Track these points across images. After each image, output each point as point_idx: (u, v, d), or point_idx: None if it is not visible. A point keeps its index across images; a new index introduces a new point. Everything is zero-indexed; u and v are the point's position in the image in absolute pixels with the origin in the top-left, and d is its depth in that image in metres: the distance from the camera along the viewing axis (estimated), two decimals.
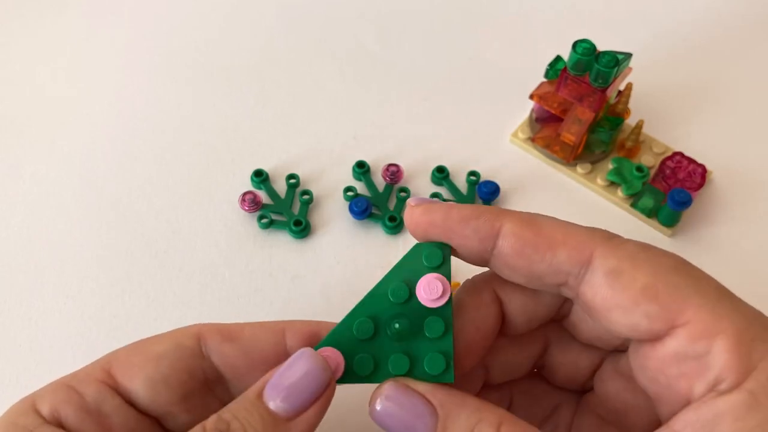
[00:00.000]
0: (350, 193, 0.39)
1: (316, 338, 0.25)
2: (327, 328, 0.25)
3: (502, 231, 0.23)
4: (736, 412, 0.20)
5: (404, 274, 0.25)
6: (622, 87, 0.40)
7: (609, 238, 0.23)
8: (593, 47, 0.36)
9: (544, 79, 0.39)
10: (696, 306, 0.21)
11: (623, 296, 0.22)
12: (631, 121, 0.41)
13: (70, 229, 0.39)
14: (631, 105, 0.40)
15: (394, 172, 0.40)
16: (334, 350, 0.24)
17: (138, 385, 0.24)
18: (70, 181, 0.40)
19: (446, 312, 0.25)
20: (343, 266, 0.38)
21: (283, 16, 0.49)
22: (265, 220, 0.38)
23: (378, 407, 0.23)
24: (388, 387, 0.23)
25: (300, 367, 0.23)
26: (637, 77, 0.39)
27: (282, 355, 0.25)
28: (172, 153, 0.42)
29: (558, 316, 0.26)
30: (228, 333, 0.26)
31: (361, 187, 0.40)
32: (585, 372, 0.27)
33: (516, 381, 0.28)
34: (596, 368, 0.27)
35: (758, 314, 0.21)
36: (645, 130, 0.42)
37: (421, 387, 0.23)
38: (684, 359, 0.21)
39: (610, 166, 0.40)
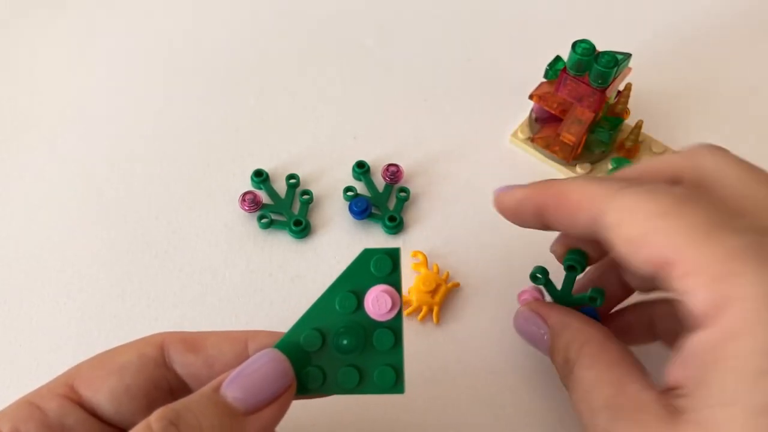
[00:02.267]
0: (350, 193, 0.39)
1: None
2: None
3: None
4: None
5: (352, 283, 0.25)
6: (621, 87, 0.40)
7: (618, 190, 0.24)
8: (593, 47, 0.36)
9: (544, 80, 0.39)
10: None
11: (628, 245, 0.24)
12: (630, 121, 0.41)
13: (70, 229, 0.39)
14: (631, 105, 0.40)
15: (394, 172, 0.40)
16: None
17: (102, 398, 0.24)
18: (70, 181, 0.41)
19: (396, 324, 0.24)
20: (343, 266, 0.37)
21: (283, 17, 0.49)
22: (265, 220, 0.38)
23: (515, 322, 0.32)
24: (523, 310, 0.31)
25: (262, 364, 0.23)
26: (636, 77, 0.39)
27: None
28: (172, 153, 0.42)
29: None
30: (191, 343, 0.25)
31: (361, 187, 0.40)
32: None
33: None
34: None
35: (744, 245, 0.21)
36: (644, 130, 0.42)
37: (543, 310, 0.30)
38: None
39: (610, 166, 0.40)
